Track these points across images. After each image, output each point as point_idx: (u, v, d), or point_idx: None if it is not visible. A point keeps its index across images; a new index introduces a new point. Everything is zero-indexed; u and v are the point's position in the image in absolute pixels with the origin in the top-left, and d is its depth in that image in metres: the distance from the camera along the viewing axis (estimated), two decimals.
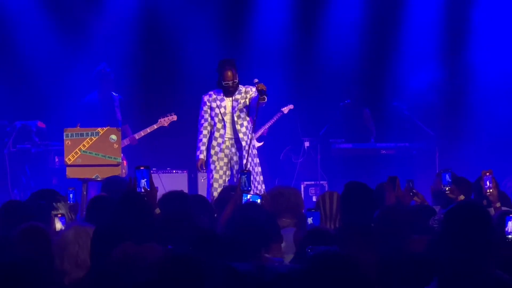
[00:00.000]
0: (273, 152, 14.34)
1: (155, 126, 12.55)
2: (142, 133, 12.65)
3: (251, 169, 10.19)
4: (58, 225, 6.58)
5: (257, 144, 13.65)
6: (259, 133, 13.80)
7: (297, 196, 7.51)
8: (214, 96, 10.68)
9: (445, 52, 15.63)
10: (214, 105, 10.66)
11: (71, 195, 7.94)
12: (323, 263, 3.66)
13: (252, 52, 15.08)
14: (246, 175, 7.49)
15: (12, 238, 5.40)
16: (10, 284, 2.97)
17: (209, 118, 10.68)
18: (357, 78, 15.51)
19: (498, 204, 7.55)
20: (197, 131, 10.88)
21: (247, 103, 10.66)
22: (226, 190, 8.60)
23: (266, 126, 14.02)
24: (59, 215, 6.75)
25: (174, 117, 12.51)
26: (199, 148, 10.71)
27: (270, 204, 7.19)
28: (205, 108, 10.71)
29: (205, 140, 10.69)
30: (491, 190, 7.65)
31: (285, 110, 14.11)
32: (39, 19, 14.90)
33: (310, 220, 6.72)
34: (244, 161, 10.42)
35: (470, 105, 15.53)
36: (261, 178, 10.77)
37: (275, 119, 14.08)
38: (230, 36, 15.16)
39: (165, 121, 12.51)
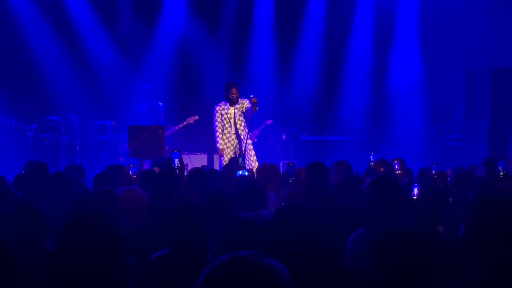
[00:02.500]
0: (263, 141, 14.34)
1: (185, 123, 12.58)
2: (176, 128, 12.72)
3: (246, 153, 10.25)
4: None
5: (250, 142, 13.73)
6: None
7: (277, 169, 7.51)
8: (222, 106, 10.68)
9: (374, 76, 15.65)
10: (223, 112, 10.66)
11: (135, 170, 7.97)
12: (290, 212, 3.67)
13: (249, 78, 15.08)
14: (242, 157, 7.56)
15: (93, 196, 5.42)
16: (94, 224, 2.98)
17: (220, 121, 10.70)
18: (316, 94, 15.54)
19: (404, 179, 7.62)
20: (213, 129, 10.89)
21: (244, 110, 10.71)
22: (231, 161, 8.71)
23: (257, 131, 14.02)
24: None
25: (196, 117, 12.48)
26: (218, 141, 10.69)
27: (260, 173, 7.21)
28: (217, 115, 10.70)
29: (220, 135, 10.70)
30: (399, 171, 7.74)
31: (268, 122, 14.19)
32: (114, 57, 14.95)
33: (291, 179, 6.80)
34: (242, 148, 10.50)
35: (389, 113, 15.53)
36: (255, 158, 10.82)
37: (261, 127, 14.10)
38: (234, 66, 15.15)
39: (190, 120, 12.49)
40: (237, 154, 10.48)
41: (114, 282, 2.82)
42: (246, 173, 7.06)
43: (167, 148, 11.40)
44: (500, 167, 7.68)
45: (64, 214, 4.43)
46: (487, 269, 2.55)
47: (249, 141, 10.76)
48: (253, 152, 10.81)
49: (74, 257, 2.81)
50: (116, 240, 2.92)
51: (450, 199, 5.58)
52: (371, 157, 8.21)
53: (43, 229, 4.09)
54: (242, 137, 10.59)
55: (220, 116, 10.66)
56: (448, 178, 7.56)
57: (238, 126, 10.63)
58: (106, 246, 2.86)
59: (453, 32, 14.55)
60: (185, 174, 7.42)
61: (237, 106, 10.63)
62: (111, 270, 2.83)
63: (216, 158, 12.78)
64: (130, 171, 7.56)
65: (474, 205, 2.63)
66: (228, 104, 10.64)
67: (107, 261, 2.84)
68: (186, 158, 9.01)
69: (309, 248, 3.39)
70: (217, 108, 10.69)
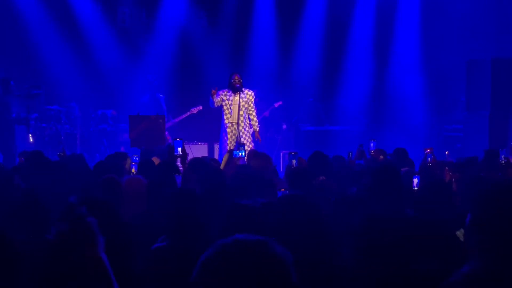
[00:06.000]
0: (264, 132, 14.33)
1: (188, 113, 12.66)
2: (176, 120, 12.76)
3: (245, 142, 10.29)
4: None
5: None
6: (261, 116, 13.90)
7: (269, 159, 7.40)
8: (225, 93, 10.68)
9: (375, 66, 15.64)
10: (225, 98, 10.66)
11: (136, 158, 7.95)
12: (290, 200, 3.70)
13: (249, 69, 15.06)
14: (242, 146, 7.63)
15: (96, 184, 5.40)
16: (99, 208, 2.97)
17: (220, 101, 10.63)
18: (317, 84, 15.52)
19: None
20: (211, 115, 10.90)
21: (249, 103, 10.69)
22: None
23: (266, 112, 14.04)
24: None
25: (200, 107, 12.56)
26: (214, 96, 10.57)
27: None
28: (221, 94, 10.65)
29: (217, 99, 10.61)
30: (430, 161, 7.71)
31: (276, 105, 14.15)
32: (114, 47, 14.92)
33: (294, 162, 6.82)
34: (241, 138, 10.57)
35: (390, 103, 15.53)
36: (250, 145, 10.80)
37: (269, 109, 14.10)
38: (234, 56, 15.14)
39: (194, 110, 12.59)
40: (239, 141, 10.53)
41: (116, 271, 2.81)
42: (244, 153, 7.11)
43: (168, 138, 11.41)
44: (502, 156, 7.68)
45: (65, 202, 4.41)
46: (490, 260, 2.54)
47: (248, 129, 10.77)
48: (251, 144, 10.82)
49: (75, 246, 2.80)
50: (118, 227, 2.91)
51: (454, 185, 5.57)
52: (372, 145, 8.24)
53: (44, 217, 4.08)
54: (241, 127, 10.55)
55: (222, 98, 10.64)
56: (446, 167, 7.54)
57: (239, 116, 10.58)
58: (108, 233, 2.85)
59: (453, 22, 14.54)
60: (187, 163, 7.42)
61: (242, 95, 10.57)
62: (112, 257, 2.82)
63: (216, 147, 12.79)
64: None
65: (480, 195, 2.62)
66: (231, 92, 10.61)
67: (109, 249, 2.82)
68: (186, 148, 8.99)
69: (309, 236, 3.39)
70: (222, 92, 10.67)
